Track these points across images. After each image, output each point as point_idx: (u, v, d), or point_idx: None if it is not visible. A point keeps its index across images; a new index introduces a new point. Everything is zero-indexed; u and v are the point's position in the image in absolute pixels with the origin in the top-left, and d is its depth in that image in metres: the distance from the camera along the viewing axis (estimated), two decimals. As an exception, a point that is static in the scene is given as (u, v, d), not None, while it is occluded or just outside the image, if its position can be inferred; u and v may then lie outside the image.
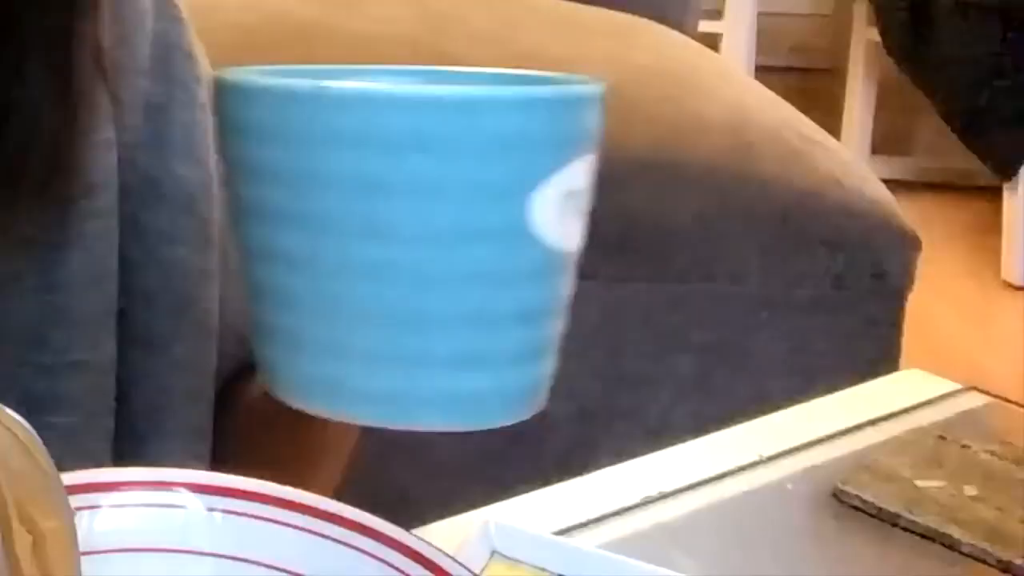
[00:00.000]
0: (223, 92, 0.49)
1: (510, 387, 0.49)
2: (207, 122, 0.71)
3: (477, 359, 0.48)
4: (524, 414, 0.49)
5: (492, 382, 0.48)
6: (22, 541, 0.40)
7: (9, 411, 0.42)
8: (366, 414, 0.49)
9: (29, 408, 0.64)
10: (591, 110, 0.49)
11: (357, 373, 0.47)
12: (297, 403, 0.49)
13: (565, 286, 0.49)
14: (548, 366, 0.50)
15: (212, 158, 0.71)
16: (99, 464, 0.65)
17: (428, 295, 0.46)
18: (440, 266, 0.46)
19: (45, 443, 0.42)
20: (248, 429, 0.73)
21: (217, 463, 0.71)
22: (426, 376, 0.47)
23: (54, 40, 0.62)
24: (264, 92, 0.47)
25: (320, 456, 0.72)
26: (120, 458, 0.68)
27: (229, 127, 0.49)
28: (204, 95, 0.71)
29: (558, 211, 0.47)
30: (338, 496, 0.51)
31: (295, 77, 0.49)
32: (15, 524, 0.39)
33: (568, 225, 0.48)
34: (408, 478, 1.27)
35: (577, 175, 0.48)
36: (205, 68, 0.73)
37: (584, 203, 0.49)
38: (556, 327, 0.50)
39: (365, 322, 0.47)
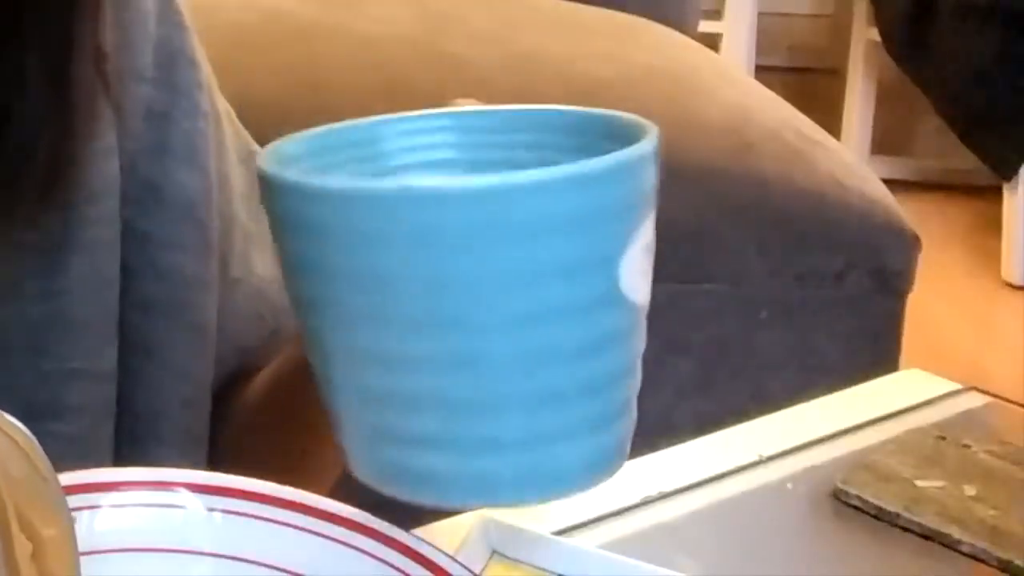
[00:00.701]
0: (276, 190, 0.46)
1: (597, 451, 0.48)
2: (208, 129, 0.71)
3: (569, 431, 0.47)
4: (611, 474, 0.49)
5: (582, 451, 0.47)
6: (22, 548, 0.40)
7: (9, 417, 0.42)
8: (460, 498, 0.48)
9: (31, 416, 0.64)
10: (656, 161, 0.47)
11: (449, 461, 0.46)
12: (384, 490, 0.48)
13: (643, 339, 0.49)
14: (632, 420, 0.50)
15: (213, 165, 0.71)
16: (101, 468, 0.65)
17: (523, 379, 0.45)
18: (528, 349, 0.45)
19: (47, 451, 0.42)
20: (240, 437, 0.73)
21: (211, 469, 0.71)
22: (518, 455, 0.46)
23: (54, 46, 0.61)
24: (327, 195, 0.45)
25: (312, 465, 0.72)
26: (118, 463, 0.67)
27: (284, 225, 0.47)
28: (206, 102, 0.71)
29: (640, 268, 0.47)
30: (338, 496, 0.51)
31: (330, 150, 0.49)
32: (15, 531, 0.39)
33: (646, 279, 0.47)
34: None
35: (650, 228, 0.47)
36: (207, 74, 0.73)
37: (654, 252, 0.48)
38: (638, 380, 0.49)
39: (469, 413, 0.46)
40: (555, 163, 0.45)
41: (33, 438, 0.42)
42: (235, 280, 0.72)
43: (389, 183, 0.44)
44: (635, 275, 0.46)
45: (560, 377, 0.46)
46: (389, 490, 0.48)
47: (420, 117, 0.53)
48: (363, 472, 0.48)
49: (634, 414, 0.49)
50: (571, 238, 0.44)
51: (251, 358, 0.74)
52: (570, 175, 0.44)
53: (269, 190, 0.46)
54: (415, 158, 0.53)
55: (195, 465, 0.70)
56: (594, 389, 0.47)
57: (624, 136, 0.47)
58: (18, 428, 0.41)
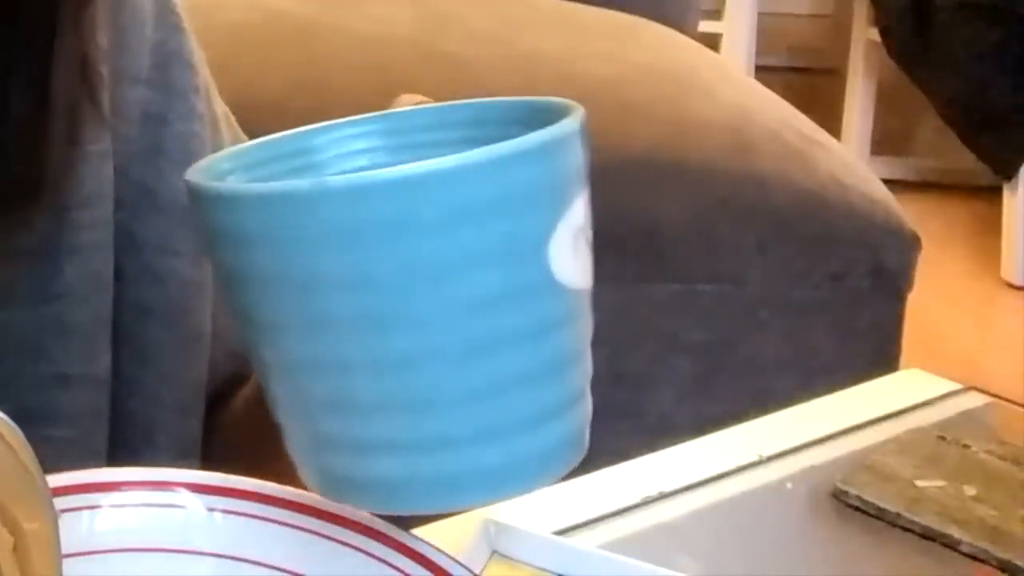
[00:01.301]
0: (200, 201, 0.45)
1: (552, 443, 0.47)
2: (204, 132, 0.71)
3: (518, 423, 0.46)
4: (569, 465, 0.48)
5: (536, 442, 0.46)
6: (3, 541, 0.39)
7: None
8: (415, 504, 0.46)
9: (24, 420, 0.64)
10: (583, 141, 0.47)
11: (400, 465, 0.45)
12: (339, 500, 0.47)
13: (588, 325, 0.48)
14: (587, 409, 0.48)
15: None
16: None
17: (464, 373, 0.44)
18: (466, 341, 0.44)
19: (41, 456, 0.42)
20: (232, 443, 0.73)
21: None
22: (469, 455, 0.45)
23: (36, 52, 0.61)
24: (247, 200, 0.44)
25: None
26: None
27: (212, 236, 0.46)
28: (202, 105, 0.71)
29: (573, 251, 0.46)
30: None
31: (265, 163, 0.48)
32: None
33: (581, 262, 0.46)
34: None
35: (581, 209, 0.46)
36: (205, 77, 0.72)
37: (590, 236, 0.47)
38: (588, 368, 0.48)
39: (413, 413, 0.45)
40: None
41: (18, 430, 0.41)
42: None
43: (304, 182, 0.43)
44: (567, 259, 0.45)
45: (502, 368, 0.45)
46: (343, 499, 0.47)
47: (351, 123, 0.52)
48: (314, 482, 0.47)
49: (589, 403, 0.48)
50: (492, 224, 0.43)
51: (244, 362, 0.74)
52: (483, 159, 0.43)
53: (194, 202, 0.46)
54: (350, 164, 0.52)
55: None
56: (539, 378, 0.46)
57: (554, 120, 0.46)
58: (4, 421, 0.41)
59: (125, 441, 0.68)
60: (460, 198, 0.43)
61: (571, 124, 0.46)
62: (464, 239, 0.43)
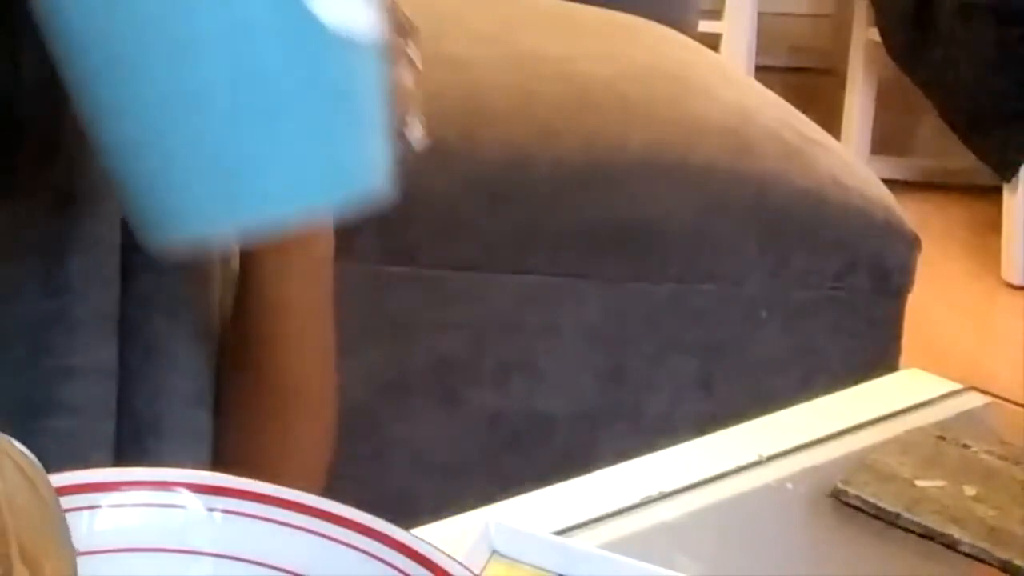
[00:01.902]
0: None
1: (330, 162, 0.49)
2: None
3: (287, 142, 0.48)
4: (355, 187, 0.50)
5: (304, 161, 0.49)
6: None
7: (17, 444, 0.42)
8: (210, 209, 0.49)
9: (31, 413, 0.64)
10: None
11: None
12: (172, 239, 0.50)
13: (369, 71, 0.50)
14: (381, 144, 0.51)
15: None
16: (101, 468, 0.65)
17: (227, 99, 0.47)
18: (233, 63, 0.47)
19: (48, 448, 0.42)
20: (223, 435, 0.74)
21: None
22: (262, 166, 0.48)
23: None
24: None
25: (297, 461, 0.72)
26: (120, 461, 0.68)
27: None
28: None
29: None
30: (338, 496, 0.51)
31: None
32: (16, 564, 0.39)
33: (351, 8, 0.49)
34: (408, 478, 1.27)
35: None
36: None
37: None
38: (371, 109, 0.51)
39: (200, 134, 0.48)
40: None
41: (39, 466, 0.42)
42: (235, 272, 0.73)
43: None
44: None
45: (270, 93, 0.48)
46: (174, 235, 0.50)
47: None
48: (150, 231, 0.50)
49: (380, 143, 0.51)
50: None
51: None
52: None
53: None
54: None
55: (198, 461, 0.70)
56: (315, 103, 0.48)
57: None
58: (25, 456, 0.42)
59: (132, 432, 0.68)
60: None
61: None
62: None
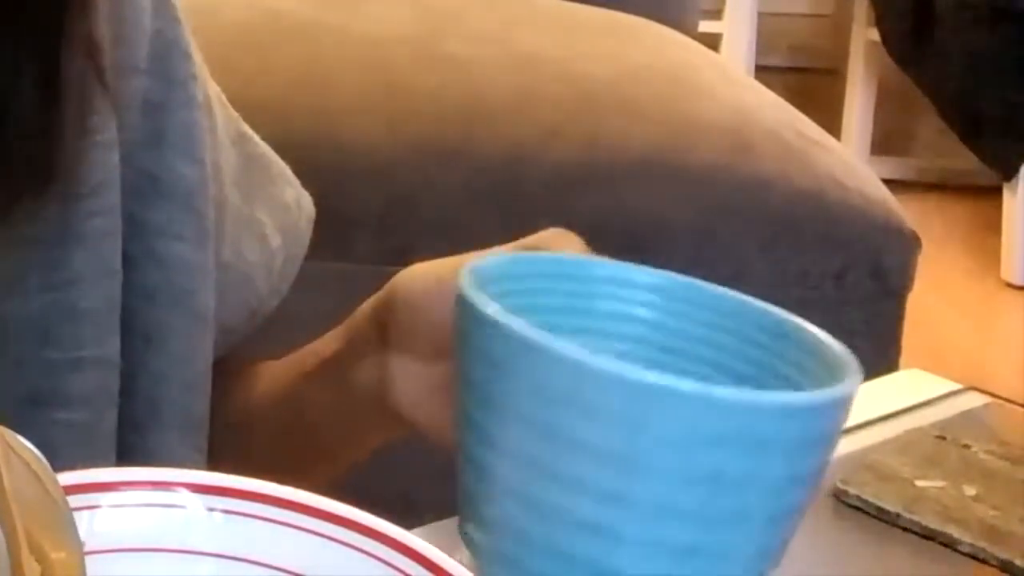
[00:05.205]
0: (478, 324, 0.48)
1: None
2: (203, 120, 0.72)
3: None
4: None
5: None
6: (31, 570, 0.40)
7: (23, 440, 0.42)
8: None
9: (36, 404, 0.65)
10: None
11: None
12: None
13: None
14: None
15: (208, 155, 0.72)
16: (105, 460, 0.66)
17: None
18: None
19: (52, 439, 0.42)
20: (226, 436, 0.74)
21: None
22: None
23: (46, 38, 0.62)
24: (554, 357, 0.46)
25: (312, 463, 0.72)
26: (120, 449, 0.68)
27: (474, 352, 0.49)
28: (200, 94, 0.72)
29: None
30: (338, 496, 0.51)
31: (532, 278, 0.51)
32: (24, 554, 0.39)
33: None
34: (408, 479, 1.27)
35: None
36: (199, 63, 0.73)
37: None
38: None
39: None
40: (760, 367, 0.51)
41: (44, 460, 0.42)
42: (225, 264, 0.74)
43: (686, 383, 0.45)
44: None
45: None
46: None
47: (630, 268, 0.57)
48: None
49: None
50: (796, 458, 0.47)
51: (234, 338, 0.76)
52: (806, 403, 0.47)
53: (464, 314, 0.49)
54: (618, 307, 0.56)
55: (198, 449, 0.71)
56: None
57: (827, 363, 0.52)
58: (30, 450, 0.42)
59: (133, 421, 0.69)
60: (802, 431, 0.47)
61: (853, 383, 0.49)
62: (729, 462, 0.46)
